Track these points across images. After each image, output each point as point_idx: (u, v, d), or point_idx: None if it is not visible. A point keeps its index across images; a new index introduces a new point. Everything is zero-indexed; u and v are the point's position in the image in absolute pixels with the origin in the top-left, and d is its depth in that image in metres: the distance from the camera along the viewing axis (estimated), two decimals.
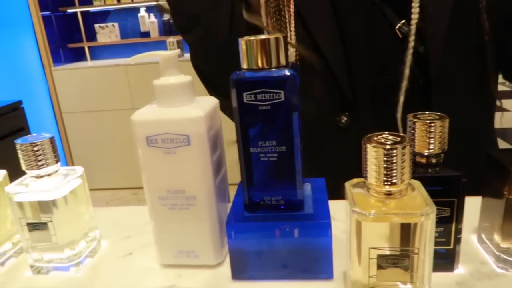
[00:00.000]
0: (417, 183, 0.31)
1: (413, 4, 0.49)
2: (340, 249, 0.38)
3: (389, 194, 0.30)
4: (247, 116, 0.34)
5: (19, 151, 0.39)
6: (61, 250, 0.40)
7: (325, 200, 0.38)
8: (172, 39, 2.87)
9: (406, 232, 0.29)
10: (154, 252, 0.42)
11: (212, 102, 0.39)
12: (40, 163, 0.39)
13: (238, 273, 0.37)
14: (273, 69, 0.33)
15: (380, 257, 0.29)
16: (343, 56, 0.54)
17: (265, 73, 0.33)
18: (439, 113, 0.35)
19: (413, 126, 0.35)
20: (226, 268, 0.39)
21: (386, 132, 0.30)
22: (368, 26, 0.53)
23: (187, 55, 2.48)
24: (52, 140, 0.40)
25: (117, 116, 2.94)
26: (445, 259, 0.36)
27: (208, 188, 0.37)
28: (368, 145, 0.29)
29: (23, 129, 2.60)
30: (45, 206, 0.39)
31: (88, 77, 2.91)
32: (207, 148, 0.36)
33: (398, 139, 0.29)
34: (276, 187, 0.36)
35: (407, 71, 0.51)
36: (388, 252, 0.29)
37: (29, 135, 0.40)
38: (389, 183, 0.29)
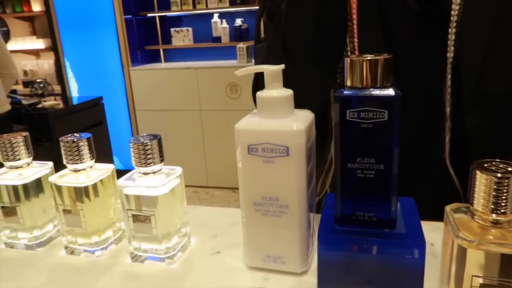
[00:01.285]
0: None
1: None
2: (427, 271, 0.37)
3: (496, 223, 0.29)
4: (348, 132, 0.35)
5: (132, 149, 0.43)
6: (160, 242, 0.44)
7: (417, 221, 0.38)
8: (242, 45, 2.94)
9: (511, 263, 0.28)
10: (241, 253, 0.45)
11: (309, 115, 0.41)
12: (148, 161, 0.43)
13: (324, 284, 0.38)
14: (378, 88, 0.34)
15: (483, 286, 0.29)
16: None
17: (370, 92, 0.34)
18: None
19: None
20: (310, 277, 0.41)
21: (498, 160, 0.29)
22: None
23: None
24: (159, 141, 0.44)
25: (185, 116, 3.08)
26: None
27: (301, 198, 0.39)
28: (478, 172, 0.29)
29: (101, 123, 2.81)
30: (149, 201, 0.43)
31: (161, 78, 3.08)
32: (304, 160, 0.38)
33: (510, 168, 0.29)
34: (369, 204, 0.37)
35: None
36: (491, 282, 0.29)
37: (140, 135, 0.44)
38: (498, 212, 0.28)
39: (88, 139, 0.46)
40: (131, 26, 3.18)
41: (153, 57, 3.46)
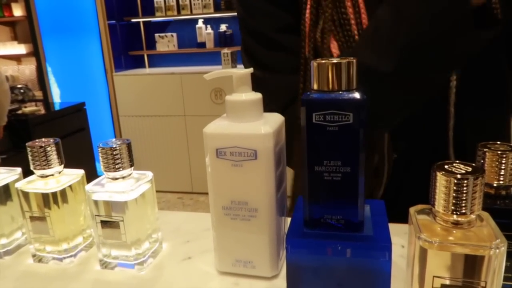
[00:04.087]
0: (485, 214, 0.31)
1: None
2: (395, 273, 0.37)
3: (456, 223, 0.29)
4: (314, 135, 0.35)
5: (100, 154, 0.42)
6: (129, 248, 0.43)
7: (385, 223, 0.39)
8: (226, 51, 2.95)
9: (473, 264, 0.29)
10: (212, 258, 0.44)
11: (279, 119, 0.41)
12: (117, 166, 0.42)
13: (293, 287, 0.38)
14: (344, 92, 0.34)
15: (444, 287, 0.29)
16: None
17: (336, 95, 0.34)
18: (511, 144, 0.35)
19: (483, 156, 0.34)
20: (280, 281, 0.40)
21: (458, 161, 0.30)
22: None
23: (240, 66, 2.55)
24: (129, 146, 0.43)
25: (170, 122, 3.06)
26: None
27: (270, 201, 0.39)
28: (438, 173, 0.29)
29: (83, 129, 2.78)
30: (118, 206, 0.42)
31: (145, 83, 3.06)
32: (272, 164, 0.38)
33: (470, 169, 0.29)
34: (337, 206, 0.37)
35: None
36: (453, 283, 0.29)
37: (109, 140, 0.44)
38: (458, 213, 0.29)
39: (56, 144, 0.45)
40: (114, 31, 3.16)
41: (137, 63, 3.44)
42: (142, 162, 3.08)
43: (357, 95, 0.34)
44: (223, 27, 3.13)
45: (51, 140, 0.46)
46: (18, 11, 3.26)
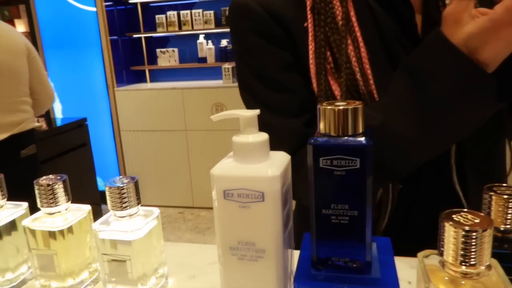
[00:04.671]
0: (494, 262, 0.31)
1: None
2: None
3: (465, 274, 0.30)
4: (322, 179, 0.35)
5: (107, 193, 0.43)
6: (135, 284, 0.43)
7: (392, 263, 0.39)
8: (227, 65, 2.97)
9: None
10: None
11: (285, 158, 0.41)
12: (124, 205, 0.43)
13: None
14: (350, 137, 0.35)
15: None
16: None
17: (343, 141, 0.35)
18: None
19: (489, 199, 0.35)
20: None
21: (465, 210, 0.30)
22: None
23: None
24: (136, 184, 0.44)
25: (171, 136, 3.07)
26: None
27: (277, 242, 0.39)
28: (446, 223, 0.29)
29: (85, 145, 2.78)
30: (125, 245, 0.42)
31: (147, 98, 3.08)
32: (279, 205, 0.38)
33: (478, 219, 0.29)
34: (344, 248, 0.37)
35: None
36: None
37: (116, 178, 0.44)
38: (467, 264, 0.29)
39: (63, 182, 0.46)
40: (116, 46, 3.19)
41: (139, 78, 3.46)
42: (143, 177, 3.08)
43: (363, 140, 0.34)
44: (224, 43, 3.16)
45: (58, 177, 0.46)
46: (21, 26, 3.30)
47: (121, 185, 0.42)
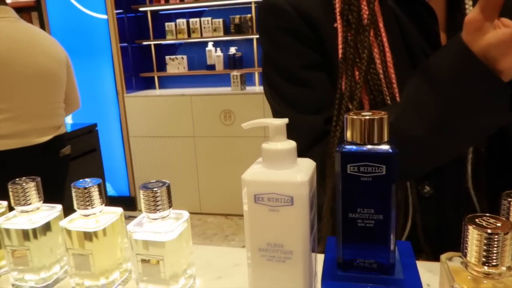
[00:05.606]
0: None
1: None
2: None
3: (487, 274, 0.32)
4: (349, 185, 0.38)
5: (142, 196, 0.45)
6: (167, 284, 0.46)
7: (414, 266, 0.41)
8: (236, 73, 3.01)
9: None
10: None
11: (311, 165, 0.43)
12: (158, 208, 0.45)
13: None
14: (376, 144, 0.37)
15: None
16: None
17: (369, 149, 0.37)
18: None
19: (508, 205, 0.37)
20: None
21: (488, 214, 0.32)
22: None
23: (249, 88, 2.62)
24: (168, 188, 0.46)
25: (179, 142, 3.10)
26: None
27: (305, 244, 0.41)
28: (470, 227, 0.31)
29: (95, 150, 2.81)
30: (158, 246, 0.45)
31: (156, 104, 3.12)
32: (307, 209, 0.40)
33: (499, 223, 0.31)
34: (369, 251, 0.39)
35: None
36: None
37: (148, 182, 0.46)
38: (489, 265, 0.31)
39: (98, 185, 0.48)
40: (126, 53, 3.24)
41: (148, 84, 3.51)
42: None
43: (389, 148, 0.37)
44: (232, 50, 3.20)
45: (94, 181, 0.48)
46: None
47: (155, 189, 0.45)
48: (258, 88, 3.17)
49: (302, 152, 0.54)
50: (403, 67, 0.56)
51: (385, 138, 0.37)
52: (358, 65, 0.56)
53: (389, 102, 0.55)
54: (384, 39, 0.55)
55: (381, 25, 0.55)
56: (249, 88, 3.13)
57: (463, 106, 0.47)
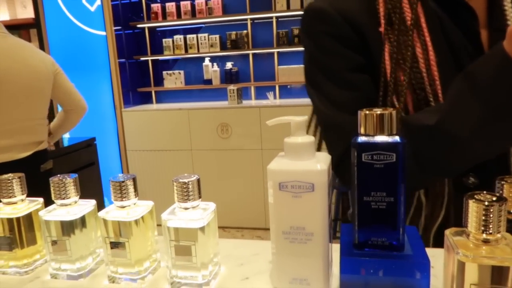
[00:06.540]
0: (509, 236, 0.39)
1: None
2: None
3: (486, 241, 0.37)
4: (363, 171, 0.43)
5: (175, 187, 0.50)
6: (199, 270, 0.50)
7: (421, 245, 0.46)
8: (232, 87, 3.08)
9: (500, 273, 0.36)
10: (267, 278, 0.51)
11: (327, 157, 0.49)
12: (190, 197, 0.50)
13: None
14: (387, 136, 0.43)
15: None
16: None
17: (382, 139, 0.43)
18: None
19: (501, 187, 0.42)
20: None
21: (485, 191, 0.38)
22: None
23: (245, 102, 2.69)
24: (198, 180, 0.51)
25: (176, 156, 3.14)
26: None
27: (324, 226, 0.46)
28: (470, 201, 0.37)
29: (94, 164, 2.84)
30: (190, 233, 0.50)
31: (153, 119, 3.17)
32: (326, 194, 0.46)
33: (495, 198, 0.37)
34: (382, 230, 0.44)
35: None
36: None
37: (179, 175, 0.51)
38: (487, 233, 0.36)
39: (133, 179, 0.53)
40: (124, 69, 3.30)
41: (145, 99, 3.56)
42: (149, 196, 3.13)
43: (398, 139, 0.42)
44: (229, 65, 3.28)
45: (129, 176, 0.53)
46: None
47: (187, 181, 0.50)
48: (254, 102, 3.24)
49: (345, 151, 0.58)
50: (446, 65, 0.60)
51: (394, 131, 0.43)
52: (401, 65, 0.60)
53: (431, 99, 0.59)
54: (427, 39, 0.59)
55: (424, 25, 0.59)
56: (245, 102, 3.20)
57: (503, 112, 0.51)
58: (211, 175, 3.09)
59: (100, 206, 0.55)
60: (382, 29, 0.61)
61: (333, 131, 0.52)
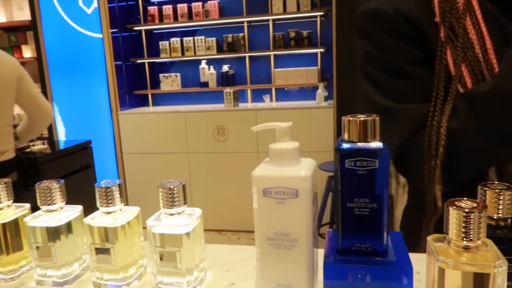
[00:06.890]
0: (489, 241, 0.39)
1: None
2: None
3: (466, 248, 0.37)
4: (347, 178, 0.43)
5: (160, 193, 0.50)
6: (183, 276, 0.50)
7: (405, 251, 0.46)
8: (228, 90, 3.08)
9: (481, 280, 0.36)
10: (253, 285, 0.51)
11: (312, 163, 0.49)
12: (175, 204, 0.50)
13: None
14: (369, 142, 0.43)
15: None
16: None
17: (364, 145, 0.43)
18: (507, 184, 0.43)
19: (484, 193, 0.43)
20: None
21: (465, 198, 0.38)
22: None
23: (242, 105, 2.71)
24: (184, 186, 0.51)
25: (173, 159, 3.14)
26: None
27: (308, 232, 0.46)
28: (450, 208, 0.37)
29: (89, 166, 2.84)
30: (175, 239, 0.49)
31: (149, 121, 3.16)
32: (310, 201, 0.46)
33: (475, 204, 0.37)
34: (365, 236, 0.44)
35: None
36: None
37: (166, 181, 0.51)
38: (467, 239, 0.36)
39: (119, 185, 0.53)
40: (120, 71, 3.30)
41: (142, 101, 3.56)
42: (145, 199, 3.12)
43: (381, 145, 0.42)
44: (225, 68, 3.28)
45: (114, 182, 0.53)
46: (28, 52, 3.40)
47: (172, 187, 0.50)
48: (251, 105, 3.24)
49: (406, 138, 0.61)
50: (503, 53, 0.60)
51: (377, 137, 0.43)
52: (453, 50, 0.61)
53: None
54: (483, 29, 0.60)
55: (480, 17, 0.60)
56: (241, 105, 3.20)
57: None
58: (207, 178, 3.09)
59: (96, 209, 0.54)
60: (437, 19, 0.62)
61: (392, 123, 0.54)
